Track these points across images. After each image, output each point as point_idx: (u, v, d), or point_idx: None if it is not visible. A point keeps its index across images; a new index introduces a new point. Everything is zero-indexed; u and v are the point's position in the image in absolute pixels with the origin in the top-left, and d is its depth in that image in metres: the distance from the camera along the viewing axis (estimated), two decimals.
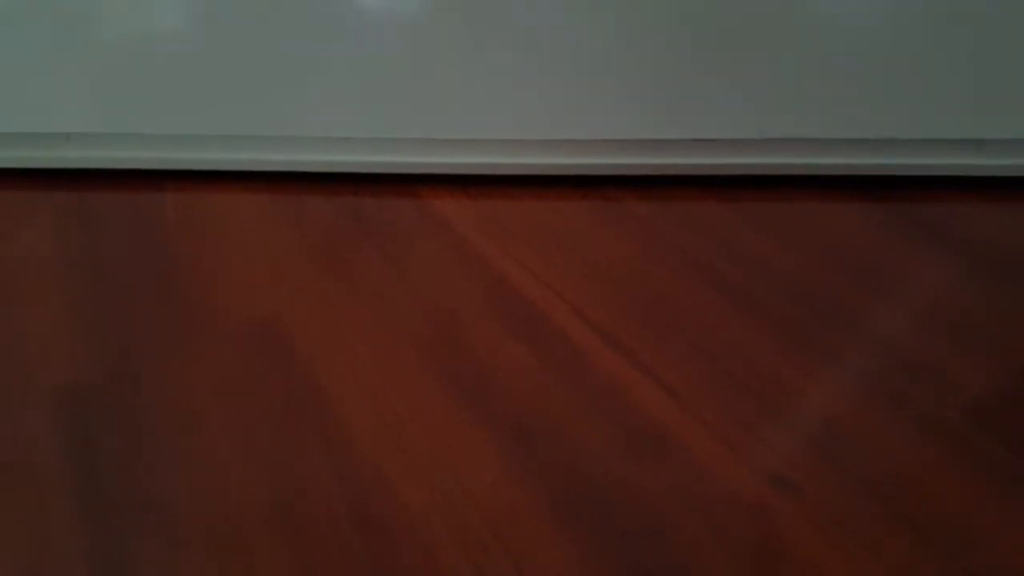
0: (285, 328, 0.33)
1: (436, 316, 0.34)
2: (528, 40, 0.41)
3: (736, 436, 0.27)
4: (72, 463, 0.26)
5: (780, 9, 0.40)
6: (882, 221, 0.41)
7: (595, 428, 0.28)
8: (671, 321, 0.33)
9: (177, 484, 0.25)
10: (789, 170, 0.43)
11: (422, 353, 0.31)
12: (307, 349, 0.32)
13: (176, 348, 0.32)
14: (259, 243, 0.39)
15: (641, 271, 0.37)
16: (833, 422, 0.28)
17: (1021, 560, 0.23)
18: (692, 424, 0.28)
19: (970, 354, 0.32)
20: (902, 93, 0.41)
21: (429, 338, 0.32)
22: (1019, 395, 0.30)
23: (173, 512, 0.24)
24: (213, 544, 0.24)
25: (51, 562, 0.23)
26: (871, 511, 0.24)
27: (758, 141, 0.42)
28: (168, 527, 0.24)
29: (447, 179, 0.43)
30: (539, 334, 0.32)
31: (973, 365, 0.31)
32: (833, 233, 0.40)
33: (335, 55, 0.41)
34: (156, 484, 0.25)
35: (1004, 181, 0.43)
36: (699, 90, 0.41)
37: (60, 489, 0.25)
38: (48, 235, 0.39)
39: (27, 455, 0.26)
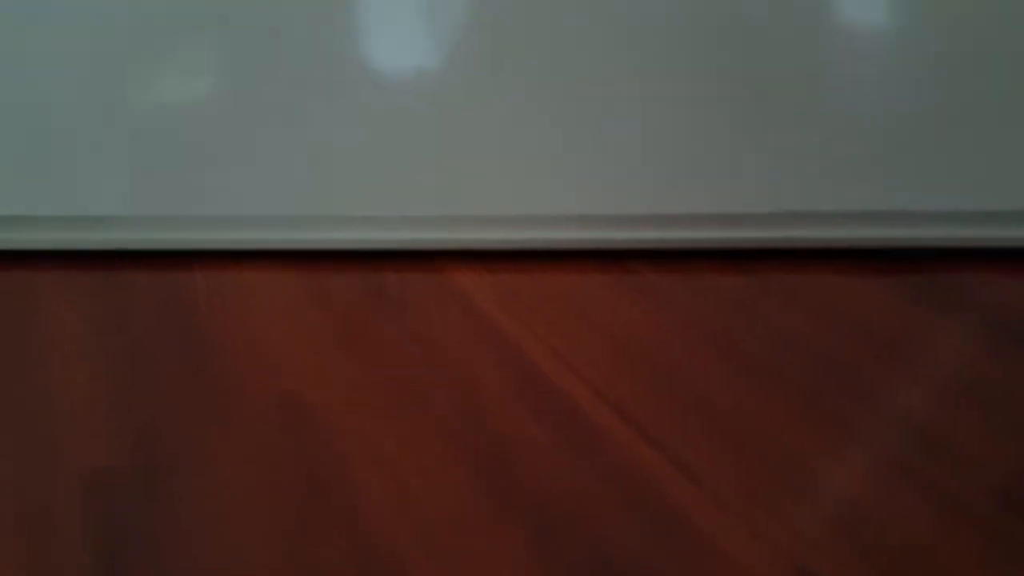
0: (310, 407, 0.33)
1: (458, 395, 0.34)
2: (546, 118, 0.42)
3: (759, 521, 0.27)
4: (96, 549, 0.27)
5: (795, 85, 0.41)
6: (899, 292, 0.41)
7: (616, 513, 0.28)
8: (691, 398, 0.34)
9: (200, 570, 0.26)
10: (806, 243, 0.43)
11: (444, 434, 0.32)
12: (331, 430, 0.32)
13: (203, 429, 0.32)
14: (285, 321, 0.40)
15: (661, 346, 0.37)
16: (858, 504, 0.28)
17: None
18: (714, 509, 0.27)
19: (993, 430, 0.32)
20: (918, 166, 0.42)
21: (451, 418, 0.33)
22: None
23: None
24: None
25: None
26: None
27: (774, 214, 0.42)
28: None
29: (468, 254, 0.44)
30: (560, 414, 0.33)
31: (997, 442, 0.31)
32: (851, 305, 0.40)
33: (357, 137, 0.42)
34: (179, 570, 0.26)
35: (1022, 252, 0.43)
36: (716, 165, 0.42)
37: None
38: (78, 316, 0.40)
39: (51, 541, 0.27)
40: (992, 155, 0.42)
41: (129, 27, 0.40)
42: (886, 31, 0.41)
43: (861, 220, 0.43)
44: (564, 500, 0.28)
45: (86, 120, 0.41)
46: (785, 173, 0.42)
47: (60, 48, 0.40)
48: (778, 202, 0.42)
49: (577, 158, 0.42)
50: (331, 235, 0.44)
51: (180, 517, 0.28)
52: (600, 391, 0.34)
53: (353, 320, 0.40)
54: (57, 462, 0.31)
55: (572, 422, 0.32)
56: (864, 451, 0.31)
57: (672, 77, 0.41)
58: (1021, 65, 0.41)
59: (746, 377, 0.35)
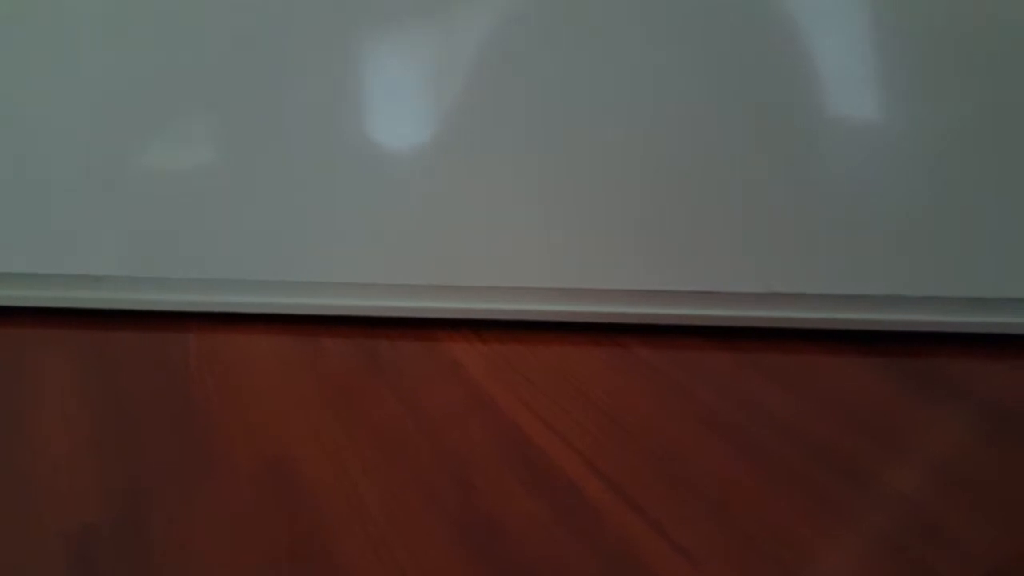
0: (296, 471, 0.33)
1: (448, 464, 0.34)
2: (541, 194, 0.43)
3: None
4: None
5: (787, 170, 0.42)
6: (888, 376, 0.41)
7: None
8: (683, 476, 0.33)
9: None
10: (795, 323, 0.44)
11: (433, 503, 0.31)
12: (316, 495, 0.32)
13: (188, 491, 0.32)
14: (276, 384, 0.40)
15: (652, 422, 0.37)
16: None
17: None
18: None
19: (984, 516, 0.32)
20: (907, 252, 0.43)
21: (441, 487, 0.32)
22: None
23: None
24: None
25: None
26: None
27: (765, 295, 0.43)
28: None
29: (461, 323, 0.45)
30: (552, 488, 0.32)
31: (988, 528, 0.31)
32: (840, 387, 0.40)
33: (353, 207, 0.43)
34: None
35: (1010, 338, 0.44)
36: (708, 245, 0.43)
37: None
38: (71, 373, 0.40)
39: None
40: (981, 244, 0.43)
41: (132, 96, 0.42)
42: (879, 121, 0.42)
43: (851, 303, 0.44)
44: (549, 568, 0.28)
45: (87, 182, 0.42)
46: (774, 255, 0.43)
47: (64, 114, 0.41)
48: (767, 283, 0.43)
49: (569, 234, 0.43)
50: (325, 301, 0.44)
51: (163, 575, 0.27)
52: (593, 465, 0.34)
53: (344, 384, 0.40)
54: (42, 520, 0.30)
55: (565, 497, 0.32)
56: (858, 534, 0.31)
57: (666, 161, 0.42)
58: (1007, 158, 0.42)
59: (739, 457, 0.35)
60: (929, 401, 0.39)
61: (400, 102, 0.42)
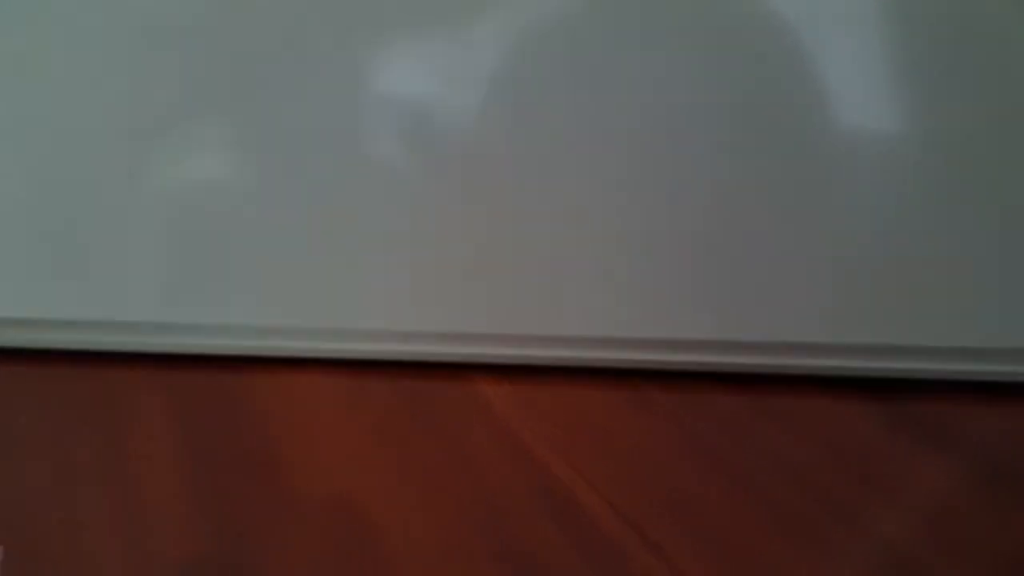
0: (358, 508, 0.38)
1: (486, 501, 0.39)
2: (563, 251, 0.47)
3: None
4: None
5: (795, 226, 0.46)
6: (887, 422, 0.44)
7: None
8: (693, 515, 0.38)
9: None
10: (799, 370, 0.48)
11: (476, 537, 0.36)
12: (376, 528, 0.37)
13: (263, 529, 0.37)
14: (332, 423, 0.45)
15: (665, 463, 0.42)
16: None
17: None
18: None
19: (968, 559, 0.35)
20: (907, 304, 0.46)
21: (481, 523, 0.37)
22: None
23: None
24: None
25: None
26: None
27: (771, 344, 0.48)
28: None
29: (494, 367, 0.49)
30: (578, 527, 0.37)
31: (972, 571, 0.35)
32: (841, 431, 0.44)
33: (394, 261, 0.48)
34: None
35: (1005, 386, 0.47)
36: (721, 297, 0.47)
37: None
38: (156, 412, 0.46)
39: None
40: (979, 296, 0.47)
41: (194, 150, 0.47)
42: (879, 173, 0.46)
43: (852, 352, 0.47)
44: None
45: (169, 236, 0.48)
46: (781, 307, 0.47)
47: (139, 175, 0.47)
48: (776, 332, 0.47)
49: (593, 286, 0.48)
50: (372, 346, 0.49)
51: None
52: (615, 505, 0.38)
53: (390, 425, 0.45)
54: (146, 554, 0.35)
55: (590, 536, 0.36)
56: (844, 572, 0.35)
57: (682, 218, 0.46)
58: (1000, 212, 0.46)
59: (742, 496, 0.39)
60: (924, 447, 0.42)
61: (427, 152, 0.47)
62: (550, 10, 0.45)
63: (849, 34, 0.44)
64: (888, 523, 0.37)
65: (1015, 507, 0.39)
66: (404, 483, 0.40)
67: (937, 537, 0.36)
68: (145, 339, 0.49)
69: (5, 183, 0.48)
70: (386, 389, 0.48)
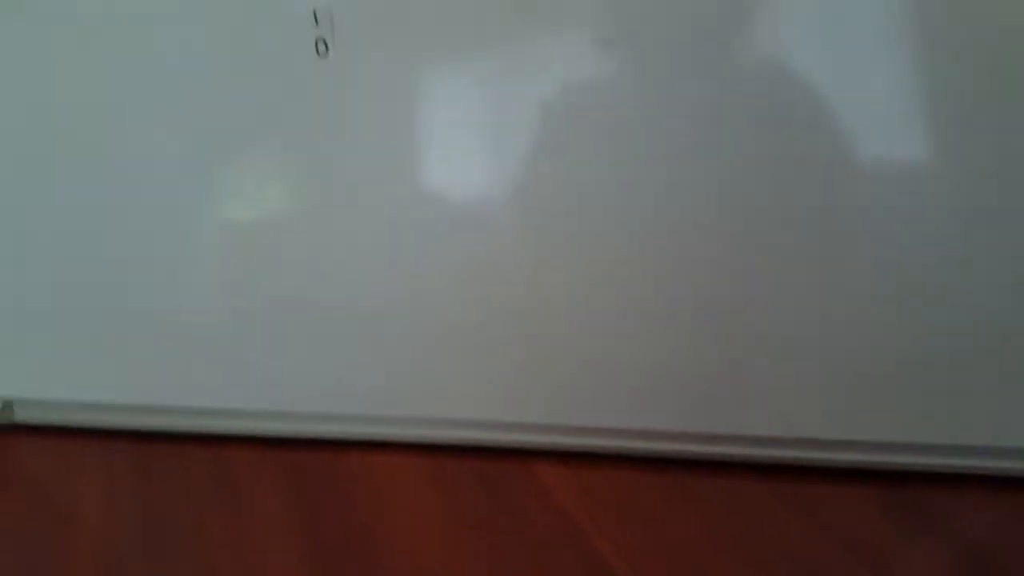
0: None
1: None
2: (617, 347, 0.55)
3: None
4: None
5: (816, 329, 0.52)
6: (887, 510, 0.50)
7: None
8: None
9: None
10: (816, 462, 0.54)
11: None
12: None
13: None
14: (416, 503, 0.53)
15: (700, 545, 0.48)
16: None
17: None
18: None
19: None
20: (918, 406, 0.52)
21: None
22: None
23: None
24: None
25: None
26: None
27: (794, 439, 0.54)
28: None
29: (554, 453, 0.57)
30: None
31: None
32: (846, 518, 0.50)
33: (463, 357, 0.56)
34: None
35: (1009, 480, 0.52)
36: (749, 397, 0.54)
37: None
38: (268, 491, 0.55)
39: None
40: (978, 398, 0.52)
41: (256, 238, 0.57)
42: (881, 281, 0.52)
43: (864, 448, 0.54)
44: None
45: (289, 338, 0.57)
46: (804, 406, 0.54)
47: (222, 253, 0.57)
48: (795, 428, 0.54)
49: (643, 383, 0.55)
50: (448, 433, 0.58)
51: None
52: None
53: (464, 505, 0.53)
54: None
55: None
56: None
57: (719, 322, 0.53)
58: (993, 316, 0.52)
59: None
60: (920, 535, 0.48)
61: (488, 263, 0.55)
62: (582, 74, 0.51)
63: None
64: None
65: None
66: (474, 560, 0.48)
67: None
68: (262, 424, 0.59)
69: (137, 288, 0.59)
70: (459, 471, 0.56)
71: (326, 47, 0.52)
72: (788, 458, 0.54)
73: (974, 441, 0.53)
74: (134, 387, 0.60)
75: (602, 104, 0.51)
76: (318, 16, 0.52)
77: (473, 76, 0.53)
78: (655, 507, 0.52)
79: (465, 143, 0.53)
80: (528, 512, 0.52)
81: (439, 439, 0.58)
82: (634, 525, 0.50)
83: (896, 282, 0.51)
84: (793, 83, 0.49)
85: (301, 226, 0.56)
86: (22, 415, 0.63)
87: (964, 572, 0.46)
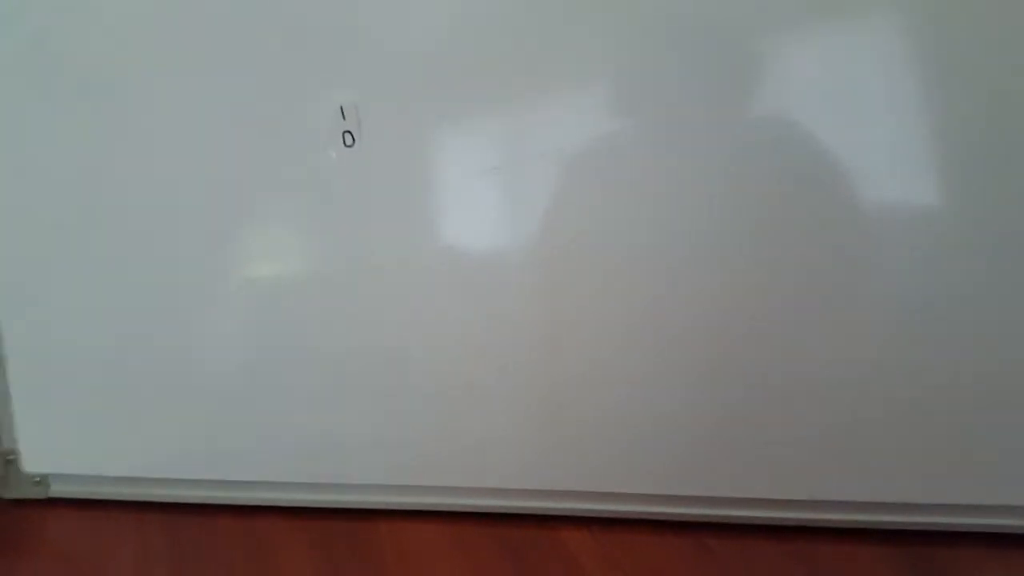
0: None
1: None
2: (634, 416, 0.57)
3: None
4: None
5: (826, 401, 0.55)
6: (900, 569, 0.53)
7: None
8: None
9: None
10: (831, 524, 0.56)
11: None
12: None
13: None
14: (443, 565, 0.55)
15: None
16: None
17: None
18: None
19: None
20: (928, 466, 0.55)
21: None
22: None
23: None
24: None
25: None
26: None
27: (807, 501, 0.56)
28: None
29: (577, 518, 0.59)
30: None
31: None
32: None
33: (491, 431, 0.58)
34: None
35: (1009, 536, 0.54)
36: (771, 463, 0.56)
37: None
38: (304, 558, 0.57)
39: None
40: (991, 458, 0.54)
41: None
42: (893, 343, 0.55)
43: (878, 507, 0.56)
44: None
45: (313, 410, 0.60)
46: (817, 470, 0.56)
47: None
48: (810, 491, 0.56)
49: (660, 450, 0.57)
50: (473, 501, 0.60)
51: None
52: None
53: (491, 571, 0.55)
54: None
55: None
56: None
57: (735, 392, 0.56)
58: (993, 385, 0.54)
59: None
60: None
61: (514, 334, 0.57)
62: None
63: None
64: None
65: None
66: None
67: None
68: (291, 495, 0.61)
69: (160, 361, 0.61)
70: (484, 537, 0.58)
71: (353, 139, 0.56)
72: (801, 520, 0.57)
73: (981, 500, 0.55)
74: (165, 460, 0.62)
75: (615, 166, 0.54)
76: (345, 112, 0.56)
77: (489, 151, 0.56)
78: (675, 570, 0.54)
79: (481, 215, 0.57)
80: None
81: (465, 507, 0.60)
82: None
83: (908, 341, 0.53)
84: (801, 140, 0.52)
85: (328, 302, 0.59)
86: (57, 489, 0.64)
87: None
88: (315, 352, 0.59)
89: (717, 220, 0.53)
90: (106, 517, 0.63)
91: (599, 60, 0.53)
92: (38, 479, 0.64)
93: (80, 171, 0.59)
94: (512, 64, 0.53)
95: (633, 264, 0.55)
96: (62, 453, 0.64)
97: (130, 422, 0.62)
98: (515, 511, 0.60)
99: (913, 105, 0.50)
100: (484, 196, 0.56)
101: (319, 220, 0.59)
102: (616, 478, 0.58)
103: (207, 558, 0.58)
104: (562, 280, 0.56)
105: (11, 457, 0.64)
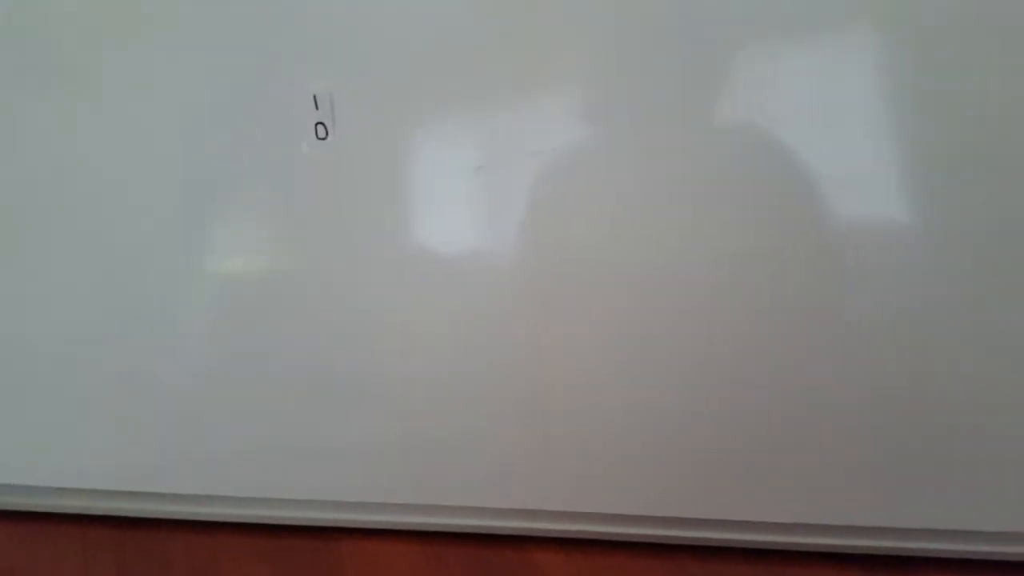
0: None
1: None
2: (611, 435, 0.55)
3: None
4: None
5: (811, 426, 0.54)
6: None
7: None
8: None
9: None
10: (813, 548, 0.55)
11: None
12: None
13: None
14: None
15: None
16: None
17: None
18: None
19: None
20: (909, 491, 0.54)
21: None
22: None
23: None
24: None
25: None
26: None
27: (790, 524, 0.55)
28: None
29: (552, 540, 0.57)
30: None
31: None
32: None
33: (464, 451, 0.56)
34: None
35: (995, 564, 0.54)
36: (744, 485, 0.55)
37: None
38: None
39: None
40: (963, 487, 0.54)
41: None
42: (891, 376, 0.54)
43: (857, 532, 0.55)
44: None
45: (274, 426, 0.56)
46: (800, 493, 0.54)
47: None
48: (795, 514, 0.55)
49: (638, 470, 0.55)
50: (444, 520, 0.57)
51: None
52: None
53: None
54: None
55: None
56: None
57: (717, 418, 0.54)
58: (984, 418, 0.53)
59: None
60: None
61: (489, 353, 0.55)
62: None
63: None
64: None
65: None
66: None
67: None
68: (249, 511, 0.58)
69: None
70: (457, 557, 0.56)
71: (326, 131, 0.52)
72: (782, 543, 0.55)
73: (959, 526, 0.54)
74: (113, 471, 0.58)
75: (599, 170, 0.51)
76: (318, 101, 0.52)
77: (468, 151, 0.53)
78: None
79: (459, 213, 0.54)
80: None
81: (435, 526, 0.57)
82: None
83: (889, 363, 0.52)
84: (781, 153, 0.50)
85: (293, 307, 0.55)
86: None
87: None
88: (276, 359, 0.56)
89: (701, 226, 0.51)
90: (46, 531, 0.59)
91: (585, 60, 0.50)
92: None
93: (36, 162, 0.55)
94: (501, 54, 0.50)
95: (616, 277, 0.53)
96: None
97: (74, 430, 0.58)
98: (487, 531, 0.57)
99: (891, 119, 0.49)
100: (465, 196, 0.53)
101: (286, 218, 0.55)
102: (592, 498, 0.56)
103: (154, 574, 0.54)
104: (543, 291, 0.53)
105: None
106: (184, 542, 0.57)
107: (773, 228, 0.51)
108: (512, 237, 0.53)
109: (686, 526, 0.56)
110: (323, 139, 0.52)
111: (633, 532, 0.56)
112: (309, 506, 0.58)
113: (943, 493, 0.54)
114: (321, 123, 0.52)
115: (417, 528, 0.57)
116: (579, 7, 0.49)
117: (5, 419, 0.58)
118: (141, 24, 0.52)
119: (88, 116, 0.53)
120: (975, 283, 0.50)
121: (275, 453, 0.57)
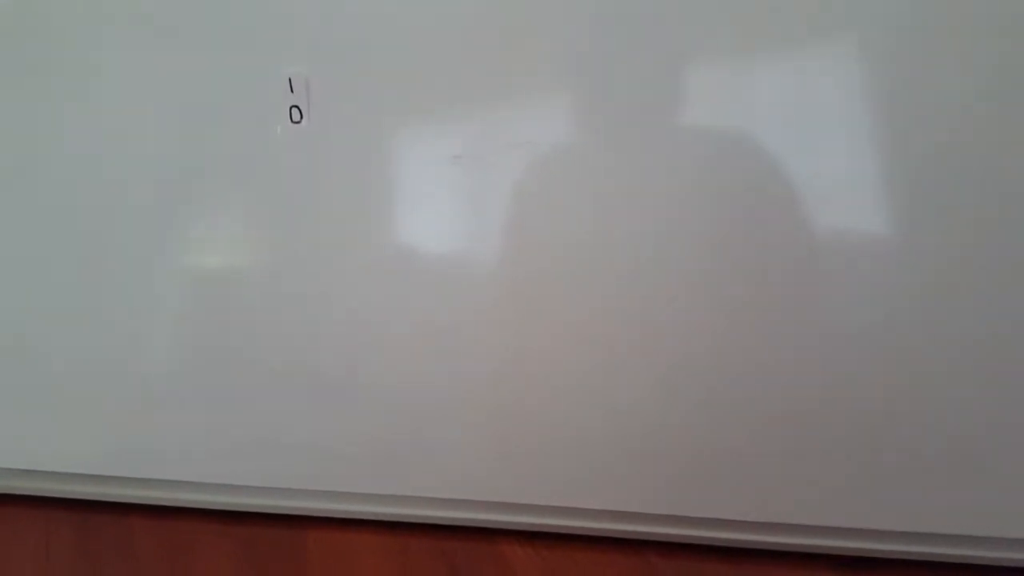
0: None
1: None
2: (584, 429, 0.55)
3: None
4: None
5: (794, 425, 0.53)
6: None
7: None
8: None
9: None
10: (780, 547, 0.55)
11: None
12: None
13: None
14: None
15: None
16: None
17: None
18: None
19: None
20: (878, 492, 0.53)
21: None
22: None
23: None
24: None
25: None
26: None
27: (764, 523, 0.55)
28: None
29: (518, 533, 0.56)
30: None
31: None
32: None
33: (434, 441, 0.55)
34: None
35: (965, 566, 0.54)
36: (718, 482, 0.54)
37: None
38: (227, 561, 0.53)
39: None
40: (937, 488, 0.53)
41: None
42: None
43: (834, 532, 0.55)
44: None
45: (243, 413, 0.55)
46: (775, 492, 0.54)
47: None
48: (773, 514, 0.54)
49: (611, 465, 0.55)
50: (413, 511, 0.56)
51: None
52: None
53: None
54: None
55: None
56: None
57: (692, 416, 0.54)
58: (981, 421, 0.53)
59: None
60: None
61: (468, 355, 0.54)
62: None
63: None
64: None
65: None
66: None
67: None
68: (214, 497, 0.57)
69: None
70: (425, 549, 0.55)
71: (300, 115, 0.51)
72: (749, 541, 0.55)
73: (931, 528, 0.54)
74: (78, 454, 0.57)
75: (580, 167, 0.51)
76: (293, 83, 0.51)
77: (447, 140, 0.52)
78: None
79: (434, 203, 0.53)
80: None
81: (402, 517, 0.57)
82: None
83: (859, 366, 0.51)
84: (762, 156, 0.50)
85: (266, 294, 0.55)
86: None
87: None
88: (247, 350, 0.55)
89: (681, 226, 0.51)
90: (8, 513, 0.58)
91: (565, 54, 0.49)
92: None
93: (5, 153, 0.54)
94: (480, 43, 0.50)
95: (592, 276, 0.52)
96: None
97: (39, 412, 0.57)
98: (456, 523, 0.57)
99: (871, 123, 0.49)
100: (443, 186, 0.52)
101: (258, 204, 0.54)
102: (561, 492, 0.56)
103: (117, 562, 0.53)
104: (519, 288, 0.53)
105: None
106: (148, 527, 0.57)
107: (754, 228, 0.50)
108: (489, 231, 0.52)
109: (655, 522, 0.55)
110: (297, 123, 0.52)
111: (600, 527, 0.56)
112: (275, 494, 0.57)
113: (919, 495, 0.53)
114: (296, 106, 0.51)
115: (383, 519, 0.57)
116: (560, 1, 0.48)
117: None
118: (111, 2, 0.51)
119: (58, 102, 0.53)
120: (956, 287, 0.50)
121: (242, 442, 0.56)
